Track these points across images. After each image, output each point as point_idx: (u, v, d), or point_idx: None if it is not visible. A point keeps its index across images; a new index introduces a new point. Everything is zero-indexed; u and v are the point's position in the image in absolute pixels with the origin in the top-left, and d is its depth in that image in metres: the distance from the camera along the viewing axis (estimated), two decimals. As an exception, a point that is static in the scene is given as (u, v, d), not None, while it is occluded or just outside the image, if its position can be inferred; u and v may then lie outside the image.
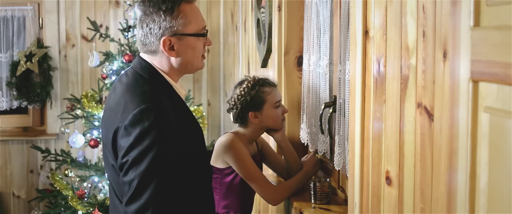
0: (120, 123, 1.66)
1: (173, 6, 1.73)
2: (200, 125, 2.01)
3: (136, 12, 1.85)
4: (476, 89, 1.07)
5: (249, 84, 2.38)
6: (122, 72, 1.98)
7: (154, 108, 1.66)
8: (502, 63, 0.97)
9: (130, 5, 4.09)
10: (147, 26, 1.74)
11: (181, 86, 1.86)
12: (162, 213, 1.64)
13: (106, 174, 3.78)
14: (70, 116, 4.14)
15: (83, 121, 4.04)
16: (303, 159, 2.50)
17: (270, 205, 2.53)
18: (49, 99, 4.77)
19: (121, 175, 1.66)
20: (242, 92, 2.38)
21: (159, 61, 1.79)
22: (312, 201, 2.29)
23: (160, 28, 1.73)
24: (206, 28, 1.82)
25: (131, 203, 1.63)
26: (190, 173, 1.76)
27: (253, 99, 2.37)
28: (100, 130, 3.84)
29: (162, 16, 1.72)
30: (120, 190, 1.73)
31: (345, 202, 2.20)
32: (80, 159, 4.11)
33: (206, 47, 1.85)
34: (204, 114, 4.63)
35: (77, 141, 3.98)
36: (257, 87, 2.37)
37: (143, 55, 1.81)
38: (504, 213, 0.99)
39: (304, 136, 2.56)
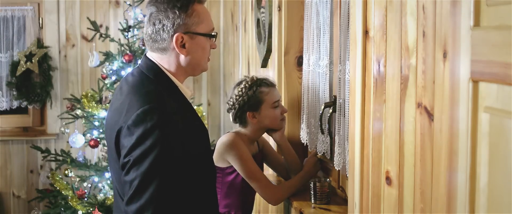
0: (123, 123, 1.66)
1: (187, 4, 1.75)
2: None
3: (146, 9, 1.84)
4: (476, 89, 1.07)
5: (247, 85, 2.38)
6: (129, 71, 1.98)
7: (158, 109, 1.66)
8: (502, 63, 0.97)
9: (130, 5, 4.09)
10: (160, 22, 1.74)
11: (187, 87, 1.86)
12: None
13: (110, 174, 3.80)
14: (70, 116, 4.14)
15: (83, 121, 4.04)
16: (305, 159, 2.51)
17: (270, 205, 2.54)
18: (49, 99, 4.77)
19: (123, 174, 1.67)
20: (240, 93, 2.38)
21: (168, 60, 1.79)
22: (312, 201, 2.29)
23: (173, 25, 1.74)
24: (214, 30, 1.84)
25: (132, 202, 1.63)
26: (193, 174, 1.76)
27: (251, 99, 2.37)
28: (103, 130, 3.89)
29: (177, 12, 1.73)
30: (122, 189, 1.74)
31: (345, 202, 2.20)
32: (80, 159, 4.11)
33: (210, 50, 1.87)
34: (204, 114, 4.62)
35: (77, 141, 3.98)
36: (254, 87, 2.37)
37: (151, 54, 1.82)
38: (504, 213, 0.99)
39: (304, 136, 2.56)
